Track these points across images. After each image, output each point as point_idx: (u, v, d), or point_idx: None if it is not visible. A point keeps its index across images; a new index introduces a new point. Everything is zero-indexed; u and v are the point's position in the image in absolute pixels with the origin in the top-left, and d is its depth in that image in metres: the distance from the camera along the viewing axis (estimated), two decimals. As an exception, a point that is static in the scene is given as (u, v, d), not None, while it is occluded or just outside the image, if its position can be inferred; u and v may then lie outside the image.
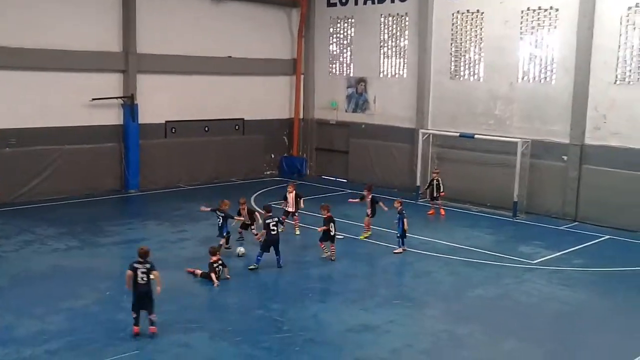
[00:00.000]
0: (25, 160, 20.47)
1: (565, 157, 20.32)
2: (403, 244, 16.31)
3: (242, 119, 26.26)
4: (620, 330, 11.88)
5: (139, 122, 22.71)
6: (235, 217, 16.01)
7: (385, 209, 17.09)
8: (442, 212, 20.55)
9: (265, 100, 26.86)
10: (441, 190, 20.49)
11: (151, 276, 10.87)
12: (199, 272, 13.98)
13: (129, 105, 22.50)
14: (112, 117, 22.52)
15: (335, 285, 14.07)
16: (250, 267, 14.62)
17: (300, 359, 10.34)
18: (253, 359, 10.29)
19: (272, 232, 14.55)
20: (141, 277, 10.84)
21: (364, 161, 25.75)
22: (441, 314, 12.50)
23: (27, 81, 20.38)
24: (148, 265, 10.92)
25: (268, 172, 27.37)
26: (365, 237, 17.30)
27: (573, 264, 15.87)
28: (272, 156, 27.66)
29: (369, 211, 17.33)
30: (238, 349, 10.60)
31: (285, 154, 28.07)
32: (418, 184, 22.81)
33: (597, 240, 18.05)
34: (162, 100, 23.60)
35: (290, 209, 17.48)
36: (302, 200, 17.80)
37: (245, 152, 26.14)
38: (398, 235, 16.29)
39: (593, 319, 12.56)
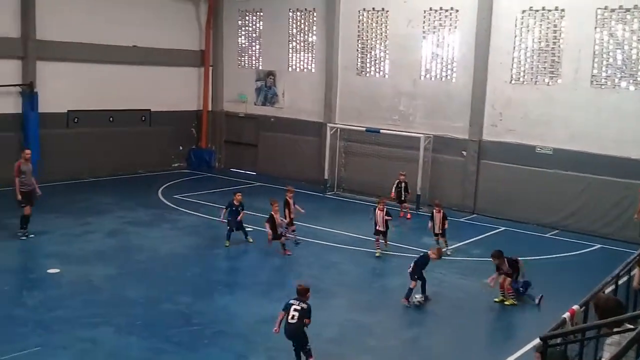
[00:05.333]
0: None
1: (464, 152, 21.26)
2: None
3: (149, 110, 25.74)
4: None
5: (39, 110, 21.82)
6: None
7: (302, 211, 17.12)
8: (409, 216, 20.18)
9: (173, 91, 26.43)
10: (408, 191, 20.30)
11: None
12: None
13: (28, 93, 21.56)
14: (10, 105, 21.53)
15: (244, 277, 14.15)
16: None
17: (210, 352, 10.39)
18: (162, 353, 10.25)
19: None
20: None
21: (272, 154, 25.88)
22: (348, 303, 12.86)
23: None
24: None
25: (176, 165, 27.00)
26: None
27: (472, 254, 16.68)
28: (181, 148, 27.29)
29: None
30: (147, 342, 10.52)
31: (194, 146, 27.77)
32: (326, 177, 23.19)
33: (494, 232, 19.01)
34: (64, 89, 22.77)
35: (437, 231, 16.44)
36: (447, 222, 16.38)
37: (152, 144, 25.63)
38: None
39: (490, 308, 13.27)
